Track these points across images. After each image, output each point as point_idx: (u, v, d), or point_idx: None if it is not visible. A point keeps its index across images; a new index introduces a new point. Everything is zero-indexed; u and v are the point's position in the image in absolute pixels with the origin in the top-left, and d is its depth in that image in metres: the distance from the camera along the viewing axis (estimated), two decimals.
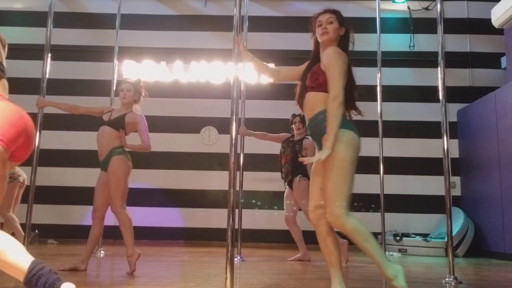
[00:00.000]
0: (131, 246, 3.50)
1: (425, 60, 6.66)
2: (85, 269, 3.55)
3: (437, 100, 3.79)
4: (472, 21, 6.88)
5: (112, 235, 6.15)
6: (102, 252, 4.91)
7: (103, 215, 3.65)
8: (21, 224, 3.88)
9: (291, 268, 4.19)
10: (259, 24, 6.76)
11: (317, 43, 2.55)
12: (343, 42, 2.51)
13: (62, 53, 6.59)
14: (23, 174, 4.85)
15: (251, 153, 5.88)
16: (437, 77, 3.75)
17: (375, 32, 5.56)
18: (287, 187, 4.79)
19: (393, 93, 6.49)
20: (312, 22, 2.57)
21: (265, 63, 2.77)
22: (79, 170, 6.33)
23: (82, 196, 6.20)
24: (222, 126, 6.59)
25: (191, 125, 6.71)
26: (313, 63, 2.52)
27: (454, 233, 5.57)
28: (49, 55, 3.92)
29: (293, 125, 4.85)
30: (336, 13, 2.55)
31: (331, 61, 2.33)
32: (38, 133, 3.73)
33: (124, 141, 3.62)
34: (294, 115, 4.88)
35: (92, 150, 6.20)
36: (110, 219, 6.06)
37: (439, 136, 3.84)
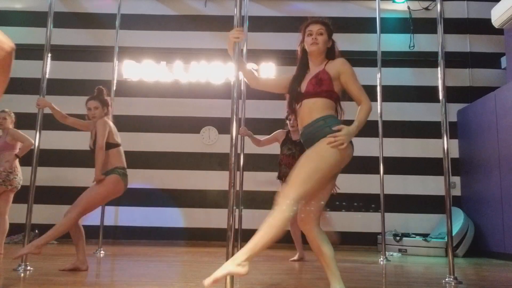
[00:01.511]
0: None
1: (425, 60, 6.66)
2: (87, 269, 3.54)
3: (437, 100, 3.79)
4: (472, 21, 6.87)
5: (112, 235, 6.17)
6: (102, 252, 4.90)
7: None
8: (21, 224, 3.87)
9: (291, 268, 4.19)
10: (259, 24, 6.76)
11: (304, 52, 2.56)
12: (329, 55, 2.54)
13: (62, 53, 6.59)
14: (16, 182, 4.85)
15: (251, 153, 5.88)
16: (437, 77, 3.75)
17: (375, 32, 5.56)
18: None
19: (393, 93, 6.49)
20: (302, 30, 2.57)
21: (247, 66, 2.75)
22: (79, 170, 6.32)
23: None
24: (222, 126, 6.58)
25: (191, 125, 6.71)
26: (302, 72, 2.54)
27: (454, 233, 5.57)
28: (49, 55, 3.91)
29: (288, 121, 4.83)
30: (326, 25, 2.54)
31: (352, 73, 2.44)
32: (38, 133, 3.72)
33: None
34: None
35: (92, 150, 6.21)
36: (109, 220, 6.10)
37: (439, 136, 3.84)
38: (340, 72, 2.42)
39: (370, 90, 5.92)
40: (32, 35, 6.67)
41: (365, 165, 6.38)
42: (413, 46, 6.81)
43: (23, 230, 3.70)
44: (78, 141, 6.47)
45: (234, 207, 2.39)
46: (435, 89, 4.02)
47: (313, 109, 2.39)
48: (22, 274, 3.27)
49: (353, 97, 2.46)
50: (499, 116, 5.56)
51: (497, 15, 5.62)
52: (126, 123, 6.60)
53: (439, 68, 3.72)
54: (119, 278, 3.32)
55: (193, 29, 6.94)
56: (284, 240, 6.35)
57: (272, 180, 6.45)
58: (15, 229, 5.73)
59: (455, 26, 6.78)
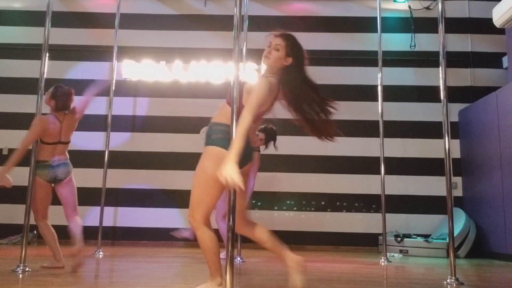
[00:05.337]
0: None
1: (426, 59, 6.63)
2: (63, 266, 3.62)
3: (439, 100, 3.77)
4: (474, 21, 6.84)
5: (111, 236, 6.14)
6: (101, 253, 4.88)
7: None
8: (19, 225, 3.85)
9: None
10: (260, 23, 6.72)
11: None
12: (284, 73, 2.42)
13: (60, 52, 6.56)
14: None
15: None
16: (438, 77, 3.72)
17: (376, 31, 5.54)
18: None
19: (394, 93, 6.46)
20: (266, 38, 2.50)
21: None
22: (78, 171, 6.26)
23: (81, 196, 6.15)
24: None
25: (191, 125, 6.68)
26: None
27: (455, 234, 5.53)
28: (47, 54, 3.88)
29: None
30: (287, 40, 2.43)
31: (255, 88, 2.31)
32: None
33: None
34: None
35: (91, 150, 6.20)
36: (108, 221, 6.06)
37: (440, 136, 3.82)
38: (252, 86, 2.36)
39: (371, 90, 5.95)
40: (30, 35, 6.64)
41: (366, 165, 6.36)
42: (414, 45, 6.78)
43: (22, 231, 3.68)
44: (76, 141, 6.45)
45: (234, 208, 2.36)
46: (436, 89, 4.00)
47: (218, 113, 2.52)
48: (20, 275, 3.25)
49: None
50: (500, 116, 5.53)
51: (498, 15, 5.59)
52: (125, 123, 6.59)
53: (440, 68, 3.70)
54: (118, 279, 3.30)
55: (193, 29, 6.91)
56: (283, 241, 6.36)
57: (270, 180, 6.45)
58: (14, 229, 5.71)
59: (456, 25, 6.75)
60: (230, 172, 2.05)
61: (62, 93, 3.83)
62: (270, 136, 4.92)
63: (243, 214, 2.52)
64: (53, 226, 3.79)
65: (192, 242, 6.35)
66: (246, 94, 2.39)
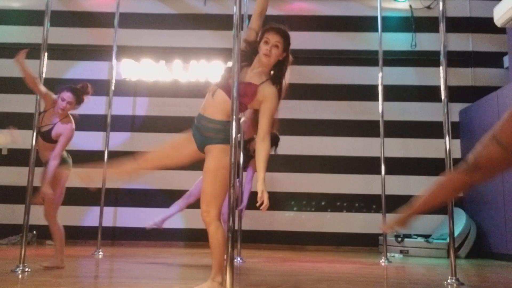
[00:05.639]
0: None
1: (427, 59, 6.60)
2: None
3: (439, 100, 3.75)
4: (475, 20, 6.82)
5: (111, 236, 6.13)
6: (100, 253, 4.87)
7: None
8: (19, 225, 3.83)
9: (291, 269, 4.15)
10: None
11: (255, 48, 2.56)
12: (277, 67, 2.52)
13: (59, 52, 6.53)
14: None
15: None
16: (439, 77, 3.71)
17: (376, 31, 5.52)
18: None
19: (394, 93, 6.44)
20: (262, 32, 2.56)
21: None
22: (77, 171, 6.27)
23: (81, 196, 6.14)
24: None
25: (191, 125, 6.65)
26: (244, 65, 2.53)
27: (456, 234, 5.51)
28: (46, 54, 3.87)
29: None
30: (285, 37, 2.52)
31: (272, 108, 2.48)
32: (34, 133, 3.68)
33: None
34: None
35: (91, 151, 6.18)
36: (108, 221, 6.05)
37: (441, 136, 3.79)
38: (266, 99, 2.45)
39: (371, 90, 5.93)
40: (29, 34, 6.59)
41: (367, 165, 6.34)
42: (415, 45, 6.76)
43: (21, 231, 3.66)
44: (75, 141, 6.43)
45: (234, 208, 2.36)
46: (437, 88, 3.98)
47: (219, 108, 2.49)
48: (20, 276, 3.24)
49: (259, 128, 2.49)
50: (501, 115, 5.50)
51: (499, 14, 5.56)
52: (124, 123, 6.57)
53: (441, 68, 3.69)
54: (117, 279, 3.29)
55: (192, 28, 6.88)
56: (284, 241, 6.35)
57: (270, 180, 6.42)
58: (13, 230, 5.69)
59: (457, 25, 6.72)
60: (264, 192, 2.45)
61: (83, 97, 3.82)
62: (273, 141, 4.88)
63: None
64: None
65: (191, 242, 6.36)
66: (257, 102, 2.47)
